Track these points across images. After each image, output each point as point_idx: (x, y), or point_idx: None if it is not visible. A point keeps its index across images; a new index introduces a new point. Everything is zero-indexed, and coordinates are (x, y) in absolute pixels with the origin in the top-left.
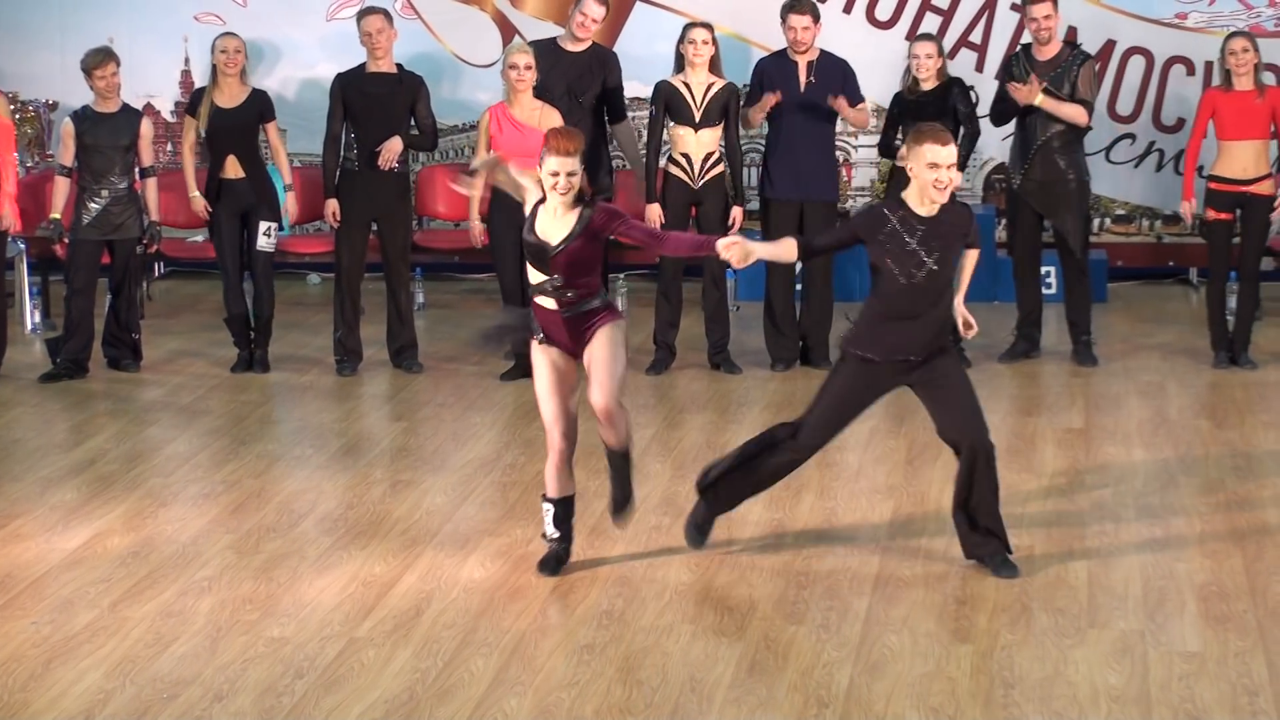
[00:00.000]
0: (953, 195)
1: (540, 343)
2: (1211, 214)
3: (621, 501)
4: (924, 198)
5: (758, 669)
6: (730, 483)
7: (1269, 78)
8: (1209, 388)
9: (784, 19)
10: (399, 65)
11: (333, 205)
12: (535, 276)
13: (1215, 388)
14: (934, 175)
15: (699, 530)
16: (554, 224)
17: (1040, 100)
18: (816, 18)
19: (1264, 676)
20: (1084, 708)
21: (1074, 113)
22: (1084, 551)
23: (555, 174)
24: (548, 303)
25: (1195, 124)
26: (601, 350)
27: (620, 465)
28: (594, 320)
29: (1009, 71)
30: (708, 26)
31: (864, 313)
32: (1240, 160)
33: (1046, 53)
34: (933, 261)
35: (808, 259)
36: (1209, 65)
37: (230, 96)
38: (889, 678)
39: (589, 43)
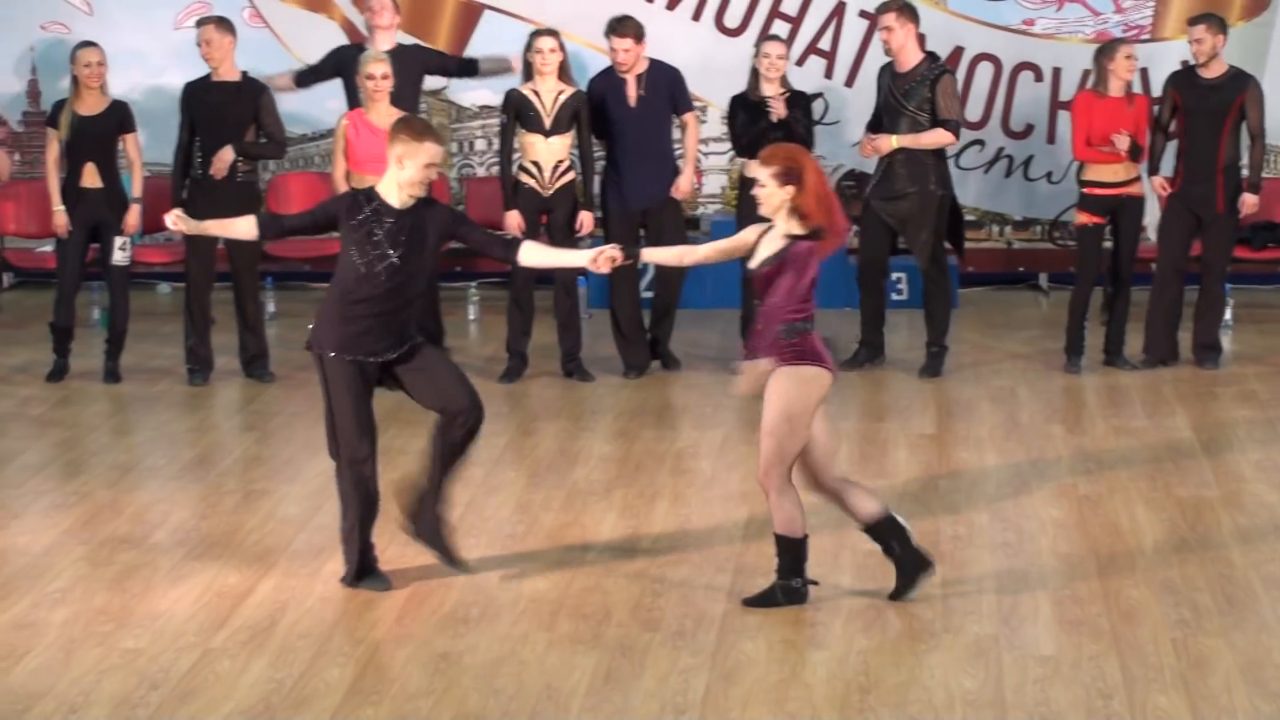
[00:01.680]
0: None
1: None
2: (1085, 218)
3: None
4: (403, 193)
5: (614, 677)
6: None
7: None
8: (1060, 392)
9: (607, 40)
10: (244, 74)
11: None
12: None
13: (1066, 392)
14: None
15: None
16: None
17: (897, 142)
18: (639, 37)
19: (1118, 680)
20: (939, 712)
21: (935, 140)
22: (938, 556)
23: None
24: None
25: (1075, 127)
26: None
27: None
28: None
29: (877, 84)
30: (554, 34)
31: (323, 305)
32: (1112, 164)
33: (904, 64)
34: (396, 256)
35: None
36: (1056, 71)
37: (91, 105)
38: (745, 684)
39: (393, 42)
